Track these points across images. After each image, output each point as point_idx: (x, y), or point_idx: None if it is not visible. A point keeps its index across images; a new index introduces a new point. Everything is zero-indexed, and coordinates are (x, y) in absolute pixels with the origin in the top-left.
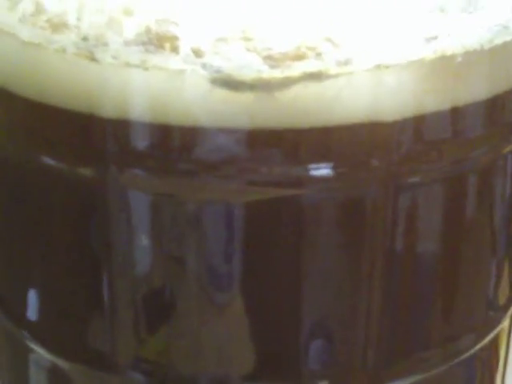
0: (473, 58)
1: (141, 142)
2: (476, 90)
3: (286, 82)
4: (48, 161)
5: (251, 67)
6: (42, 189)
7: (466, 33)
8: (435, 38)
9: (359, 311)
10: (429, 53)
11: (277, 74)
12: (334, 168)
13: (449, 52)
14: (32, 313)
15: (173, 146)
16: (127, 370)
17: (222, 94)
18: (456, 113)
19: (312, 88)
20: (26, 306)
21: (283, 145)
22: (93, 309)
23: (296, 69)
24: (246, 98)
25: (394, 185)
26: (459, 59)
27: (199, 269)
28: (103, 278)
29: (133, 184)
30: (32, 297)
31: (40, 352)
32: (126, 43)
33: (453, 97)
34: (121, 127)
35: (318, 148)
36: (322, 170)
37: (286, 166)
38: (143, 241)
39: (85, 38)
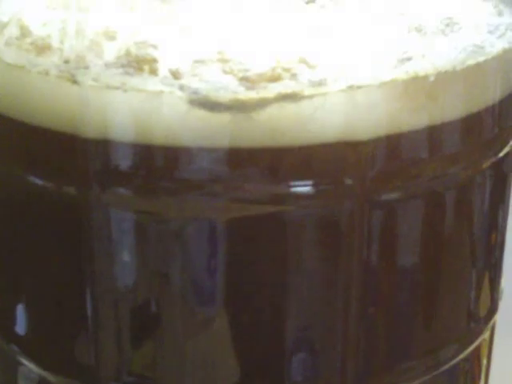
0: (445, 78)
1: (123, 162)
2: (451, 109)
3: (262, 103)
4: (33, 179)
5: (227, 88)
6: (28, 206)
7: (439, 54)
8: (409, 59)
9: (338, 324)
10: (401, 73)
11: (252, 95)
12: (312, 185)
13: (421, 73)
14: (20, 327)
15: (154, 166)
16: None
17: (200, 114)
18: (431, 131)
19: (287, 108)
20: (14, 321)
21: (262, 163)
22: (78, 323)
23: (271, 90)
24: (223, 118)
25: (368, 202)
26: (431, 80)
27: (183, 285)
28: (87, 295)
29: (116, 203)
30: (20, 311)
31: (28, 366)
32: (107, 66)
33: (427, 116)
34: (103, 147)
35: (296, 166)
36: (301, 188)
37: (266, 184)
38: (126, 258)
39: (66, 61)
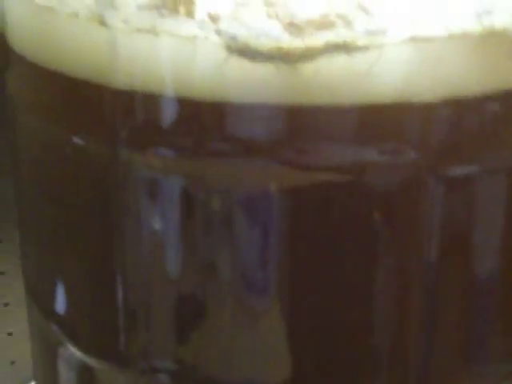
0: None
1: (151, 117)
2: None
3: (308, 54)
4: (59, 133)
5: (269, 35)
6: (58, 167)
7: None
8: (488, 12)
9: (406, 319)
10: (475, 26)
11: (297, 43)
12: (366, 154)
13: (500, 26)
14: (60, 306)
15: (183, 121)
16: (148, 370)
17: (239, 64)
18: (509, 96)
19: (338, 61)
20: (54, 299)
21: (304, 124)
22: (114, 307)
23: (320, 38)
24: (265, 69)
25: (433, 177)
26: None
27: (232, 260)
28: (119, 269)
29: (146, 163)
30: (59, 290)
31: (68, 346)
32: (139, 7)
33: (504, 78)
34: (130, 99)
35: (345, 130)
36: (349, 156)
37: (315, 149)
38: (163, 229)
39: (97, 2)
